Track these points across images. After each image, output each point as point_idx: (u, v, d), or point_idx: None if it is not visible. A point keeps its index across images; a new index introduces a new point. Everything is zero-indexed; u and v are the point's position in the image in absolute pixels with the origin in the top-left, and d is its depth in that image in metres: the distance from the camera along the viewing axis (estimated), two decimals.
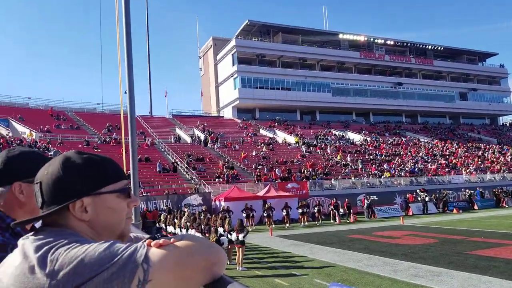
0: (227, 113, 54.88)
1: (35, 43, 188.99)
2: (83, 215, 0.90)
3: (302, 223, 22.39)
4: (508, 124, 70.16)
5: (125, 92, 8.07)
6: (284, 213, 22.17)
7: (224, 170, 28.99)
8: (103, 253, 0.78)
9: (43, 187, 0.91)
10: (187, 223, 14.55)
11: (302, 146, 40.17)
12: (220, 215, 14.25)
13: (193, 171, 28.44)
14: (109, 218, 0.92)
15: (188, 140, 39.95)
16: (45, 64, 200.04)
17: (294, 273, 10.45)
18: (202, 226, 13.11)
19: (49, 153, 23.18)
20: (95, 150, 29.49)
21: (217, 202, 23.43)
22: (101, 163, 0.95)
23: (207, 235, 12.08)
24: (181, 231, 14.56)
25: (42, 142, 29.97)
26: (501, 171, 38.37)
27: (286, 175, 29.66)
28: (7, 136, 30.55)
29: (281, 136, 44.78)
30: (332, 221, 23.36)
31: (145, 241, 0.82)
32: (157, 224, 18.65)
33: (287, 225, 21.75)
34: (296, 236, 17.80)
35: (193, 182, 27.22)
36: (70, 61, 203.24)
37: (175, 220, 16.00)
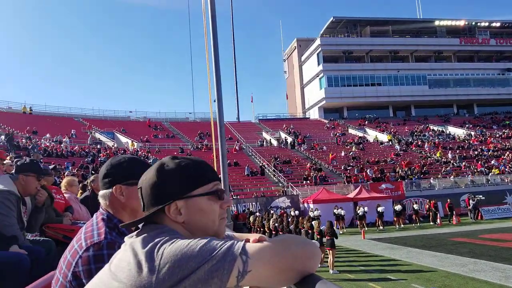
0: (313, 114, 54.49)
1: (130, 59, 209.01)
2: (178, 217, 0.96)
3: (398, 226, 21.19)
4: None
5: (214, 101, 8.52)
6: (377, 215, 21.18)
7: (312, 172, 28.85)
8: (204, 247, 0.83)
9: (142, 192, 0.99)
10: (275, 224, 14.81)
11: (396, 144, 38.06)
12: (307, 217, 14.19)
13: (280, 174, 28.85)
14: (202, 219, 0.97)
15: (275, 143, 40.64)
16: (140, 78, 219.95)
17: (389, 277, 10.09)
18: (290, 228, 13.21)
19: (149, 161, 25.56)
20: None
21: (305, 205, 23.38)
22: (192, 166, 1.00)
23: None
24: (271, 233, 14.85)
25: (142, 151, 32.73)
26: None
27: (379, 175, 28.39)
28: (113, 147, 34.03)
29: (372, 134, 43.04)
30: (432, 223, 21.65)
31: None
32: (247, 226, 19.23)
33: (380, 227, 20.76)
34: (391, 239, 17.05)
35: (280, 184, 27.62)
36: (161, 76, 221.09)
37: (264, 222, 16.39)
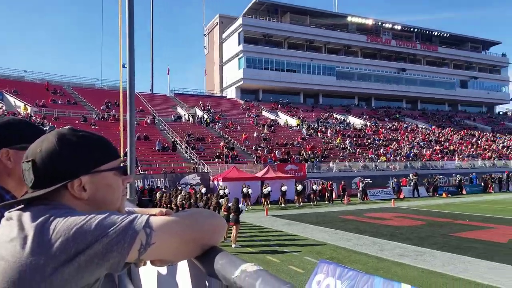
0: (231, 94, 55.00)
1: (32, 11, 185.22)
2: (82, 193, 0.89)
3: (298, 204, 23.09)
4: (503, 113, 70.62)
5: (124, 66, 7.82)
6: (280, 193, 22.82)
7: (224, 151, 29.53)
8: (103, 221, 0.79)
9: (37, 165, 0.88)
10: (183, 201, 14.82)
11: (304, 129, 40.63)
12: (215, 194, 14.59)
13: (192, 151, 28.92)
14: (107, 195, 0.93)
15: (189, 119, 40.35)
16: (41, 35, 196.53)
17: (285, 250, 10.93)
18: (199, 205, 13.45)
19: (44, 128, 23.47)
20: (93, 127, 29.42)
21: (215, 182, 23.96)
22: (99, 141, 0.95)
23: None
24: (178, 209, 14.86)
25: (37, 116, 29.61)
26: (492, 158, 39.11)
27: (286, 157, 30.21)
28: (0, 110, 30.14)
29: (283, 118, 45.13)
30: (326, 202, 24.02)
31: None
32: (153, 202, 18.91)
33: (282, 205, 22.43)
34: (291, 216, 18.39)
35: (192, 161, 27.71)
36: (68, 33, 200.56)
37: (172, 198, 16.30)
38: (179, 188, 19.50)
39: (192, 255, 0.88)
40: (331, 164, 30.52)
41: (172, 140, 31.13)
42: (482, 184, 31.75)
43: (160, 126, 35.47)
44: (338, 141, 37.60)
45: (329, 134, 39.80)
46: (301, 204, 23.22)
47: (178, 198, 15.46)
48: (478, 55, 67.49)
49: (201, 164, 26.68)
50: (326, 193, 24.35)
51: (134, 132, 8.26)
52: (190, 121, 39.65)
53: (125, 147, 8.85)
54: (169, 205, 16.08)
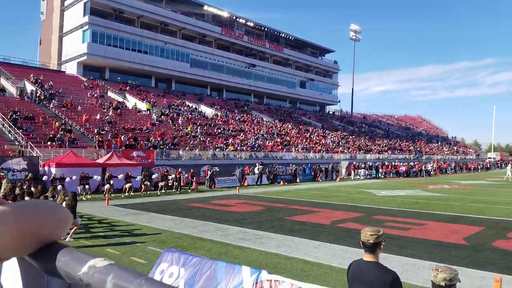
0: (71, 69, 48.83)
1: None
2: None
3: (143, 192, 22.07)
4: (332, 113, 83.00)
5: None
6: (125, 182, 21.40)
7: (60, 133, 26.07)
8: None
9: None
10: (6, 192, 12.56)
11: (154, 114, 39.12)
12: (51, 186, 12.74)
13: (18, 131, 24.65)
14: None
15: (16, 93, 34.33)
16: None
17: (127, 241, 10.32)
18: (26, 198, 11.54)
19: None
20: None
21: (46, 168, 20.88)
22: None
23: None
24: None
25: None
26: (321, 151, 45.40)
27: (133, 142, 28.55)
28: None
29: (131, 101, 42.50)
30: (174, 190, 23.62)
31: None
32: None
33: (126, 194, 21.07)
34: (135, 205, 17.48)
35: (17, 143, 23.68)
36: None
37: None
38: (1, 174, 16.39)
39: (26, 251, 0.74)
40: (180, 152, 30.25)
41: None
42: (312, 173, 36.27)
43: None
44: (189, 129, 37.56)
45: (180, 122, 39.38)
46: (148, 192, 22.27)
47: (2, 188, 12.90)
48: (316, 59, 76.94)
49: (29, 146, 22.93)
50: (175, 182, 23.86)
51: None
52: (16, 96, 33.71)
53: None
54: None
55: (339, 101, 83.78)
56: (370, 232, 3.14)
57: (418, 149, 69.03)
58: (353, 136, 61.60)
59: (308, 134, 53.29)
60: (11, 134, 24.80)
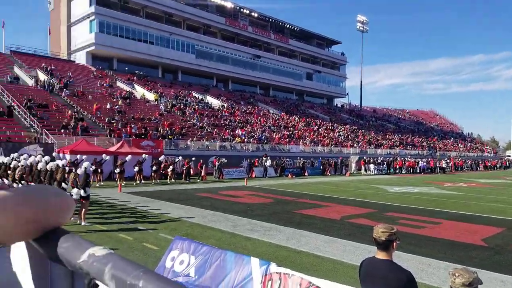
0: (80, 59, 49.28)
1: None
2: None
3: (154, 181, 22.62)
4: (340, 106, 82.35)
5: None
6: (136, 169, 21.96)
7: (72, 121, 26.62)
8: None
9: None
10: (23, 174, 13.02)
11: (161, 104, 39.54)
12: (66, 169, 13.17)
13: (34, 118, 25.25)
14: None
15: (29, 82, 34.87)
16: None
17: (140, 228, 10.59)
18: (42, 179, 11.95)
19: None
20: None
21: (60, 155, 21.49)
22: None
23: None
24: (17, 184, 12.99)
25: None
26: (329, 145, 45.47)
27: (142, 132, 29.05)
28: None
29: (140, 91, 42.95)
30: (184, 180, 24.15)
31: None
32: None
33: (137, 182, 21.66)
34: (147, 193, 17.89)
35: (33, 130, 24.26)
36: None
37: (9, 171, 14.18)
38: (18, 159, 16.85)
39: (30, 236, 0.75)
40: (188, 142, 30.71)
41: (8, 104, 26.51)
42: (321, 167, 36.38)
43: None
44: (195, 119, 37.95)
45: (187, 112, 39.77)
46: (158, 181, 22.82)
47: (17, 171, 13.37)
48: (322, 51, 76.39)
49: (44, 133, 23.51)
50: (184, 171, 24.41)
51: None
52: (31, 85, 34.25)
53: None
54: (6, 179, 13.88)
55: (347, 94, 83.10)
56: (382, 229, 3.03)
57: (431, 144, 66.93)
58: (363, 130, 60.91)
59: (316, 127, 53.29)
60: (27, 121, 25.40)
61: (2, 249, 1.12)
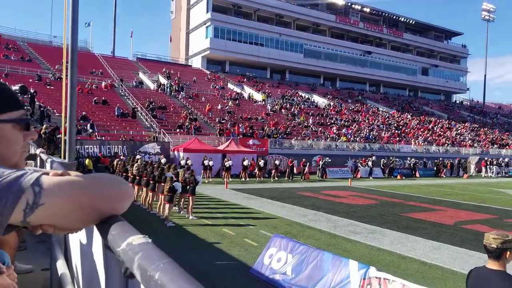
0: (196, 63, 53.60)
1: None
2: None
3: (258, 178, 23.22)
4: (459, 102, 74.11)
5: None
6: (242, 167, 22.83)
7: (187, 121, 28.93)
8: None
9: None
10: (139, 169, 14.33)
11: (268, 104, 40.55)
12: (173, 165, 14.00)
13: (153, 119, 28.13)
14: (2, 148, 0.85)
15: (152, 86, 39.05)
16: None
17: (242, 223, 10.93)
18: (155, 174, 12.96)
19: (14, 88, 21.73)
20: (48, 87, 28.75)
21: (175, 153, 23.51)
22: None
23: (162, 184, 12.12)
24: (134, 178, 14.38)
25: None
26: (445, 144, 41.16)
27: (249, 131, 30.13)
28: None
29: (248, 92, 44.75)
30: (287, 178, 24.30)
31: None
32: (109, 170, 18.06)
33: (242, 179, 22.49)
34: (250, 190, 18.43)
35: (152, 130, 26.96)
36: None
37: (128, 167, 15.73)
38: (137, 156, 18.86)
39: (89, 223, 0.76)
40: (293, 141, 30.82)
41: (133, 106, 30.05)
42: (435, 168, 33.31)
43: (120, 91, 34.04)
44: (301, 118, 37.93)
45: (293, 111, 40.03)
46: (261, 179, 23.36)
47: (134, 167, 14.89)
48: (440, 44, 69.75)
49: (161, 133, 26.03)
50: (287, 170, 24.59)
51: (76, 90, 7.57)
52: (153, 88, 38.35)
53: (66, 107, 8.26)
54: (125, 174, 15.56)
55: (468, 89, 74.64)
56: (494, 235, 2.80)
57: None
58: (485, 129, 54.34)
59: (431, 125, 48.89)
60: (147, 122, 28.42)
61: (89, 235, 1.24)
